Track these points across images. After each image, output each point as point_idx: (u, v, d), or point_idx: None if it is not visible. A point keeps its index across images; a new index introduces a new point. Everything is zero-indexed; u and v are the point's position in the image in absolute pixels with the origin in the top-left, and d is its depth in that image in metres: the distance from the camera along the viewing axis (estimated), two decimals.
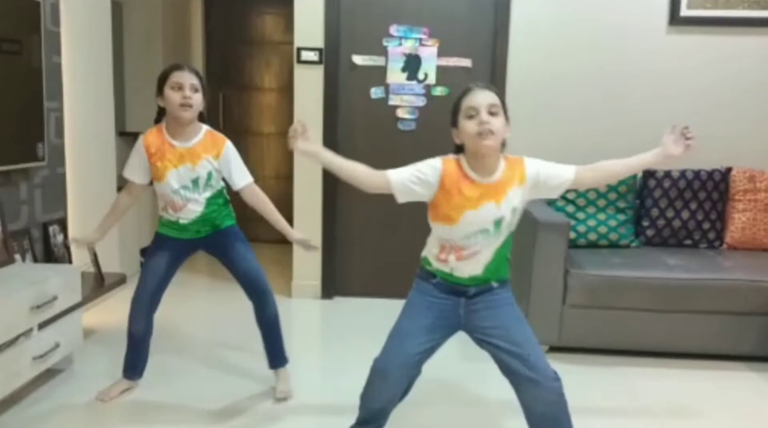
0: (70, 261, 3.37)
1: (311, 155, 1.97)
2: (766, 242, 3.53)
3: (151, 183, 2.58)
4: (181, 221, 2.51)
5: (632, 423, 2.58)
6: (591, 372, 3.04)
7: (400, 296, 4.11)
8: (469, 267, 1.95)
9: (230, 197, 2.67)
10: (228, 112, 5.63)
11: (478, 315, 1.99)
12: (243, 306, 2.74)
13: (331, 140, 3.94)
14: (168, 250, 2.57)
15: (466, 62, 3.89)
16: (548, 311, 3.15)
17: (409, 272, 4.10)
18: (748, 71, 3.77)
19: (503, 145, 1.95)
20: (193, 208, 2.50)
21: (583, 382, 2.92)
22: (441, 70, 3.90)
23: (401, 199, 1.99)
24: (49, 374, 2.78)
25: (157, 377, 2.82)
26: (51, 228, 3.26)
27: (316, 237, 4.06)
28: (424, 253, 2.10)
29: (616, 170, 2.02)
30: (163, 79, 2.43)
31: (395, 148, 3.97)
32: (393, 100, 3.94)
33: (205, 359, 3.09)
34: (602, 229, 3.51)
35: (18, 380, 2.45)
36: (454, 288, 2.00)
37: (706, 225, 3.57)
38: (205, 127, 2.51)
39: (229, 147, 2.52)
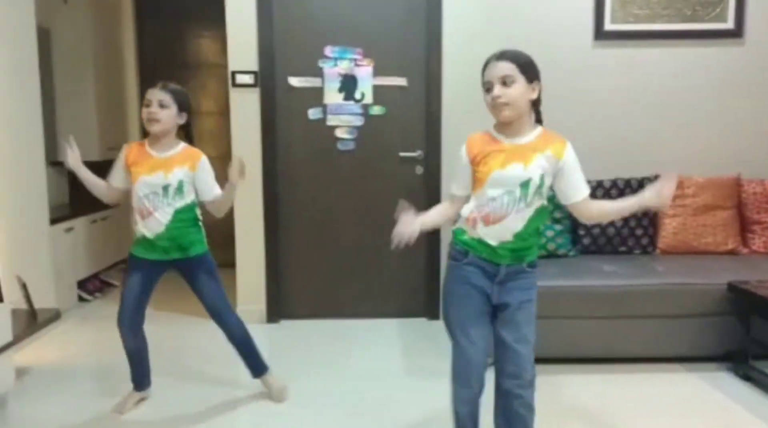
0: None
1: (418, 231, 2.00)
2: (696, 246, 3.66)
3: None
4: (147, 234, 2.61)
5: None
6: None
7: (347, 316, 4.14)
8: (499, 233, 1.96)
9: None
10: None
11: (509, 292, 2.03)
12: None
13: (270, 162, 3.93)
14: (140, 270, 2.68)
15: (401, 81, 3.94)
16: None
17: (354, 290, 4.13)
18: (670, 81, 3.92)
19: (537, 104, 1.99)
20: (159, 218, 2.59)
21: None
22: (377, 89, 3.94)
23: (463, 194, 2.08)
24: None
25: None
26: None
27: (258, 261, 4.03)
28: (458, 225, 2.12)
29: (606, 209, 2.04)
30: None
31: (335, 168, 3.98)
32: (331, 121, 3.95)
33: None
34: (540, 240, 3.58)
35: None
36: (486, 268, 2.01)
37: (639, 232, 3.69)
38: (183, 143, 2.69)
39: (204, 160, 2.69)
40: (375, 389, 3.03)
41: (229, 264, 4.26)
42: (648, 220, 3.70)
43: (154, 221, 2.60)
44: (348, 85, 3.93)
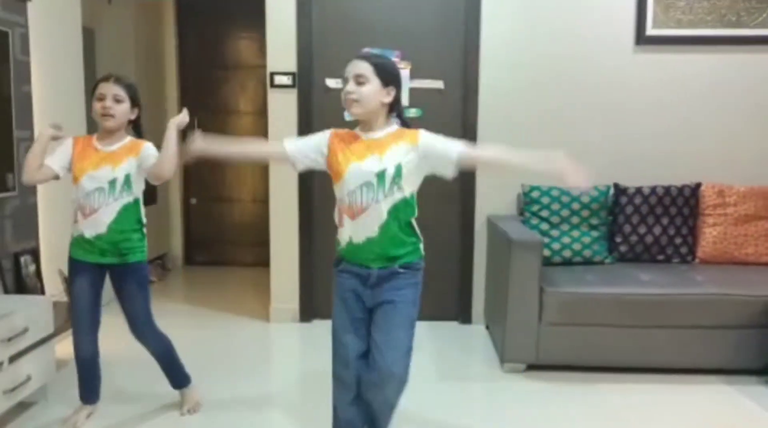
0: (42, 292, 3.32)
1: (202, 151, 2.17)
2: (737, 256, 3.59)
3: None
4: (87, 234, 2.50)
5: None
6: (568, 390, 3.05)
7: None
8: (364, 230, 2.03)
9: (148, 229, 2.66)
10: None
11: (377, 294, 2.08)
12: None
13: None
14: (85, 273, 2.56)
15: (438, 84, 3.93)
16: (525, 329, 3.17)
17: None
18: (714, 88, 3.85)
19: (392, 108, 2.09)
20: (102, 217, 2.48)
21: (561, 400, 2.94)
22: (414, 92, 3.94)
23: (297, 164, 2.16)
24: (22, 407, 2.73)
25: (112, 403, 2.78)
26: (22, 259, 3.22)
27: (292, 260, 4.06)
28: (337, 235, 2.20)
29: (501, 163, 2.26)
30: (93, 90, 2.53)
31: None
32: None
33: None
34: (576, 246, 3.55)
35: None
36: (359, 273, 2.08)
37: (678, 240, 3.62)
38: (129, 137, 2.58)
39: (148, 145, 2.56)
40: (406, 391, 3.03)
41: (264, 263, 4.32)
42: (687, 229, 3.64)
43: (96, 220, 2.48)
44: None
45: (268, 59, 3.93)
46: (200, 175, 5.66)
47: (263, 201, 4.82)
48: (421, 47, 3.93)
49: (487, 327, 3.93)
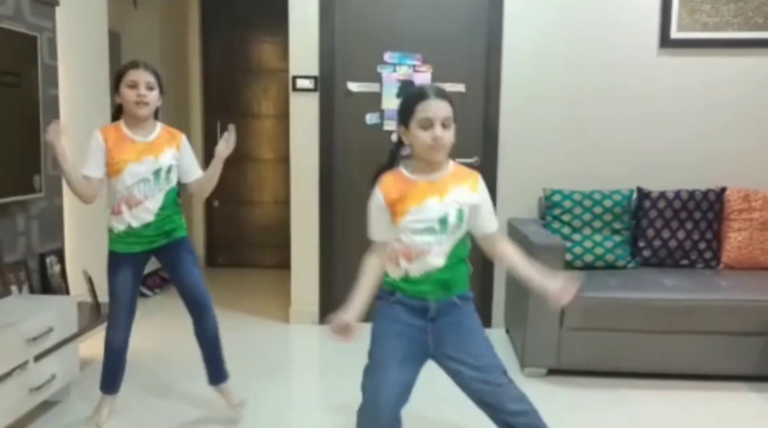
0: (66, 292, 3.37)
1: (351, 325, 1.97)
2: (763, 261, 3.53)
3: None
4: (134, 224, 2.49)
5: None
6: (590, 395, 3.02)
7: None
8: (423, 267, 1.91)
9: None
10: None
11: (444, 340, 1.94)
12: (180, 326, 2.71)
13: (327, 166, 3.98)
14: (127, 266, 2.57)
15: (459, 87, 3.93)
16: (546, 334, 3.15)
17: None
18: (739, 92, 3.79)
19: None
20: (149, 206, 2.49)
21: (582, 405, 2.91)
22: None
23: (387, 238, 1.99)
24: (46, 406, 2.77)
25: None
26: (48, 259, 3.26)
27: (313, 263, 4.07)
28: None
29: (509, 260, 2.00)
30: (119, 77, 2.49)
31: None
32: (388, 126, 3.97)
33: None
34: (598, 251, 3.51)
35: (14, 412, 2.45)
36: (416, 304, 1.94)
37: (702, 245, 3.57)
38: (159, 124, 2.58)
39: (185, 140, 2.61)
40: (428, 395, 3.03)
41: (285, 265, 4.34)
42: (712, 234, 3.59)
43: (143, 210, 2.48)
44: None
45: (290, 63, 3.96)
46: (223, 178, 5.62)
47: (285, 202, 4.84)
48: (443, 50, 3.93)
49: (507, 332, 3.90)
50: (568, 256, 3.45)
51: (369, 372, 1.96)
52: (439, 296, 1.93)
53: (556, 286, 1.88)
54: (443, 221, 1.90)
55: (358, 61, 3.97)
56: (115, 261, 2.58)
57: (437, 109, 1.88)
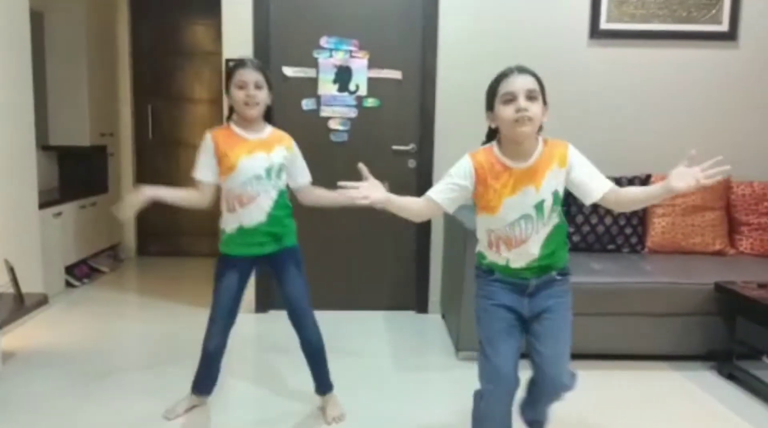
0: None
1: (383, 203, 1.95)
2: (684, 245, 3.69)
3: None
4: (246, 224, 2.43)
5: (558, 426, 2.64)
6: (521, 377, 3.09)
7: (336, 307, 4.13)
8: (523, 257, 1.94)
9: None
10: (157, 123, 5.52)
11: (538, 301, 2.00)
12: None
13: None
14: (236, 269, 2.52)
15: (396, 74, 3.93)
16: None
17: (344, 282, 4.14)
18: (664, 81, 3.94)
19: (540, 128, 1.94)
20: (262, 204, 2.43)
21: None
22: (372, 82, 3.93)
23: (451, 210, 2.02)
24: None
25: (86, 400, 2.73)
26: None
27: None
28: (477, 248, 2.10)
29: (636, 197, 1.92)
30: (227, 77, 2.44)
31: (328, 159, 3.96)
32: (325, 112, 3.95)
33: (143, 379, 3.01)
34: None
35: None
36: (515, 283, 1.98)
37: (628, 231, 3.71)
38: (269, 125, 2.52)
39: (295, 143, 2.56)
40: (363, 380, 3.04)
41: (216, 254, 4.26)
42: (637, 219, 3.73)
43: (256, 208, 2.42)
44: (343, 76, 3.92)
45: (223, 46, 3.86)
46: (153, 163, 5.54)
47: (218, 189, 4.77)
48: (380, 37, 3.92)
49: (443, 317, 3.96)
50: None
51: (484, 354, 2.01)
52: (539, 274, 1.97)
53: (674, 175, 1.78)
54: (539, 207, 1.89)
55: (294, 46, 3.92)
56: (223, 264, 2.52)
57: (520, 81, 1.86)
